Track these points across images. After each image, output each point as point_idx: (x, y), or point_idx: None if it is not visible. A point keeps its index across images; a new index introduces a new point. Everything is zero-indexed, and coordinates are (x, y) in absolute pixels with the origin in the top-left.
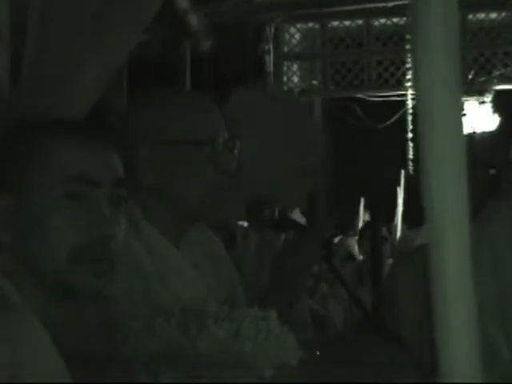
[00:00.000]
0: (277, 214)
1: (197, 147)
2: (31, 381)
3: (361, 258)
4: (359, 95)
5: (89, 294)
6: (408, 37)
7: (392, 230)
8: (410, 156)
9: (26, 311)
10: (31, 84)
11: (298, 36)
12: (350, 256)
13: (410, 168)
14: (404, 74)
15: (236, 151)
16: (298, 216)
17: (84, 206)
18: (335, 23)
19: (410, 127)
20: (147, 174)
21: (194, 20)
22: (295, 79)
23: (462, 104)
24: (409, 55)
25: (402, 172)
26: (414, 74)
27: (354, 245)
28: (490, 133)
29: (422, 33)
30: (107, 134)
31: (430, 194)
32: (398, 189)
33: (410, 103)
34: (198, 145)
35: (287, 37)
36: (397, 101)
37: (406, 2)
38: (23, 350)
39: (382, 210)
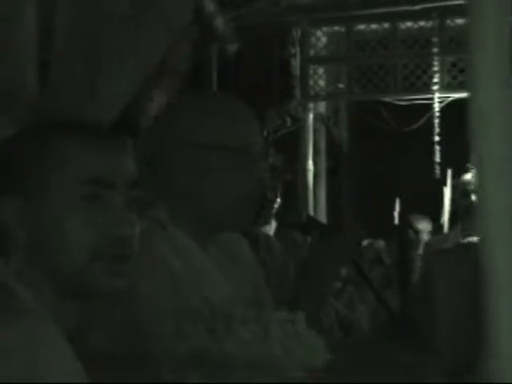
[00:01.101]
0: (304, 216)
1: (232, 154)
2: (46, 382)
3: (388, 261)
4: (385, 98)
5: (107, 293)
6: (434, 40)
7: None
8: (437, 159)
9: (42, 315)
10: (59, 87)
11: (324, 39)
12: (378, 259)
13: (437, 171)
14: (430, 77)
15: (270, 159)
16: (322, 219)
17: (100, 208)
18: (361, 26)
19: (437, 130)
20: (178, 177)
21: (220, 23)
22: (321, 83)
23: None
24: (435, 58)
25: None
26: (469, 73)
27: (381, 248)
28: None
29: (478, 34)
30: (123, 136)
31: (484, 193)
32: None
33: (436, 106)
34: (233, 151)
35: (313, 40)
36: (423, 104)
37: (432, 5)
38: (39, 355)
39: (410, 213)
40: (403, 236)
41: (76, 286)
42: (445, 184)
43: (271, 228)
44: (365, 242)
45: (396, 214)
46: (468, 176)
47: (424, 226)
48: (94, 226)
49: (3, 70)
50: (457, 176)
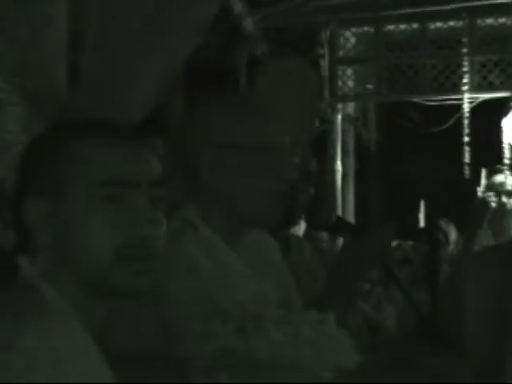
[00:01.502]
0: (333, 217)
1: (263, 153)
2: (71, 382)
3: (416, 262)
4: (414, 99)
5: (131, 293)
6: (464, 40)
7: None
8: (466, 160)
9: (67, 315)
10: (89, 87)
11: (352, 40)
12: (407, 260)
13: (466, 172)
14: (460, 78)
15: (298, 159)
16: (350, 219)
17: (123, 208)
18: (390, 27)
19: (466, 131)
20: (208, 176)
21: (249, 24)
22: (350, 83)
23: None
24: (465, 58)
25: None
26: None
27: (410, 249)
28: None
29: None
30: (146, 135)
31: None
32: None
33: (466, 107)
34: (261, 150)
35: (342, 41)
36: (452, 105)
37: (462, 5)
38: (64, 354)
39: (439, 214)
40: (433, 236)
41: (100, 286)
42: (475, 185)
43: (300, 229)
44: (393, 243)
45: (424, 215)
46: (500, 177)
47: (451, 228)
48: (117, 227)
49: (35, 70)
50: (487, 177)
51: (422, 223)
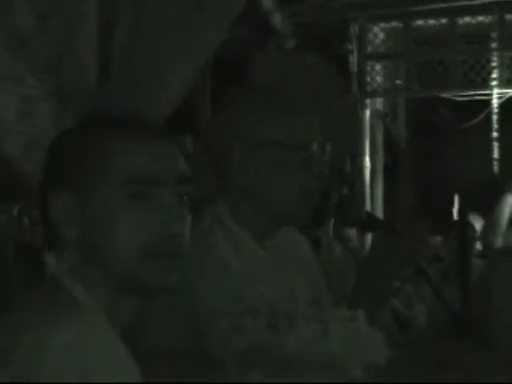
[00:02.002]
0: (363, 214)
1: (293, 151)
2: (101, 380)
3: (447, 258)
4: (443, 95)
5: (158, 290)
6: (493, 35)
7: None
8: (495, 156)
9: (95, 312)
10: (118, 82)
11: (381, 35)
12: (436, 256)
13: (495, 168)
14: (489, 73)
15: (327, 156)
16: (379, 215)
17: (150, 205)
18: (419, 22)
19: (495, 127)
20: (239, 174)
21: (278, 20)
22: (379, 79)
23: None
24: (494, 54)
25: None
26: None
27: (439, 245)
28: None
29: None
30: (172, 132)
31: None
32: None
33: (495, 102)
34: (294, 148)
35: (371, 36)
36: (482, 100)
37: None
38: (92, 352)
39: (469, 210)
40: (463, 232)
41: (128, 284)
42: (504, 180)
43: (330, 226)
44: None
45: (454, 211)
46: None
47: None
48: (143, 224)
49: (68, 68)
50: None
51: (453, 219)
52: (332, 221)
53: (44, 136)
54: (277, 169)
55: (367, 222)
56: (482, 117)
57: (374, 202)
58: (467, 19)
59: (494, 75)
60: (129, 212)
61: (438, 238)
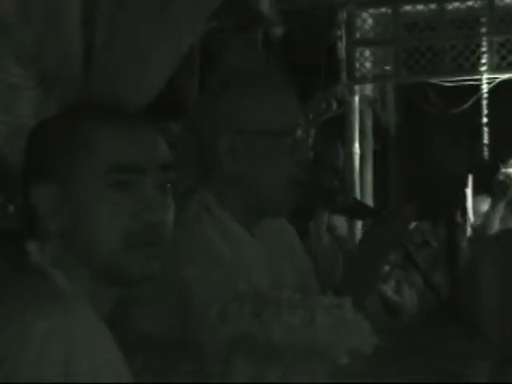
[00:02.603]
0: (351, 200)
1: (277, 137)
2: (85, 370)
3: (435, 243)
4: (433, 80)
5: (141, 279)
6: (483, 20)
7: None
8: (485, 141)
9: (79, 299)
10: (101, 70)
11: (370, 21)
12: (425, 242)
13: (485, 153)
14: (479, 59)
15: (310, 142)
16: (369, 202)
17: (129, 194)
18: (408, 8)
19: (485, 112)
20: (226, 162)
21: (265, 6)
22: (368, 65)
23: None
24: (484, 39)
25: None
26: None
27: (428, 231)
28: None
29: None
30: (154, 119)
31: None
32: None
33: (484, 88)
34: (278, 134)
35: (359, 22)
36: (471, 85)
37: None
38: (77, 338)
39: (457, 196)
40: (451, 218)
41: (110, 273)
42: (494, 166)
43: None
44: (412, 225)
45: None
46: None
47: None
48: (124, 213)
49: (52, 55)
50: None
51: (442, 204)
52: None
53: (28, 125)
54: (262, 156)
55: (355, 209)
56: (471, 102)
57: (364, 188)
58: (456, 4)
59: (484, 60)
60: (110, 201)
61: (427, 224)
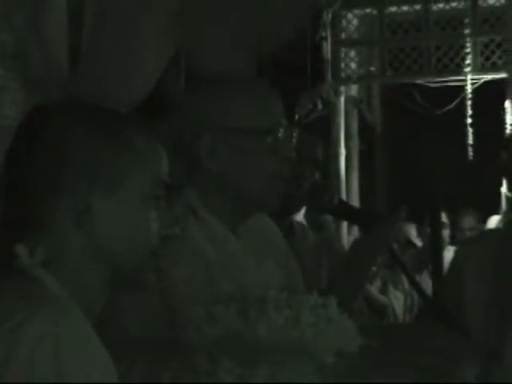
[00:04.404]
0: (336, 200)
1: (260, 135)
2: (75, 373)
3: (420, 244)
4: (418, 81)
5: (145, 285)
6: (467, 21)
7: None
8: (470, 142)
9: (69, 304)
10: (89, 69)
11: (355, 22)
12: (410, 242)
13: (470, 154)
14: (463, 59)
15: (294, 140)
16: (355, 202)
17: (158, 208)
18: (393, 8)
19: (470, 113)
20: (209, 160)
21: None
22: (353, 66)
23: None
24: (468, 39)
25: None
26: None
27: (412, 231)
28: None
29: None
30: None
31: None
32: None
33: (469, 88)
34: (261, 133)
35: (344, 23)
36: (456, 86)
37: None
38: (66, 342)
39: (442, 196)
40: (436, 218)
41: (127, 279)
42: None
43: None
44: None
45: (429, 196)
46: None
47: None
48: (155, 226)
49: (36, 55)
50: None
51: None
52: (305, 208)
53: (12, 126)
54: (244, 154)
55: (340, 209)
56: (456, 103)
57: (350, 188)
58: (441, 5)
59: (468, 61)
60: (150, 213)
61: (413, 225)
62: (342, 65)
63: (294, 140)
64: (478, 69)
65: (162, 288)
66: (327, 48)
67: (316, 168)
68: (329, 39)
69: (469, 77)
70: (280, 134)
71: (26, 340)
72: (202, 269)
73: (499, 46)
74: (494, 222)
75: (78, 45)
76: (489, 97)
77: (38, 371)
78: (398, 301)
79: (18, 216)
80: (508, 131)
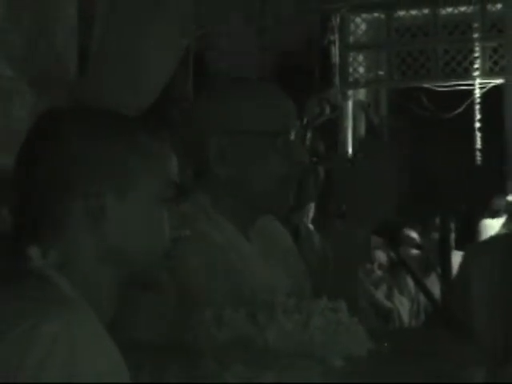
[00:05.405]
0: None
1: (270, 138)
2: (88, 374)
3: (427, 247)
4: (426, 85)
5: (157, 287)
6: (475, 25)
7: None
8: (478, 146)
9: (83, 306)
10: (97, 71)
11: (363, 26)
12: (417, 246)
13: (478, 158)
14: (471, 63)
15: (307, 143)
16: None
17: (169, 208)
18: (401, 12)
19: (478, 117)
20: (218, 163)
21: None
22: (361, 70)
23: None
24: (476, 44)
25: None
26: None
27: (418, 235)
28: None
29: None
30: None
31: None
32: None
33: (477, 92)
34: (271, 136)
35: (353, 27)
36: (464, 90)
37: None
38: (81, 344)
39: (450, 200)
40: (445, 223)
41: (140, 281)
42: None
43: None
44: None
45: (438, 201)
46: None
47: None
48: (167, 228)
49: (45, 55)
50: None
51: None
52: (311, 211)
53: (21, 128)
54: (255, 157)
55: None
56: (464, 107)
57: None
58: (449, 9)
59: (476, 65)
60: (163, 215)
61: (420, 228)
62: (350, 69)
63: (306, 143)
64: (486, 73)
65: (173, 290)
66: (335, 52)
67: (318, 161)
68: (337, 43)
69: (477, 81)
70: (291, 137)
71: (40, 341)
72: (211, 271)
73: (508, 50)
74: (488, 225)
75: (88, 47)
76: (497, 101)
77: (53, 372)
78: (403, 306)
79: (31, 218)
80: None
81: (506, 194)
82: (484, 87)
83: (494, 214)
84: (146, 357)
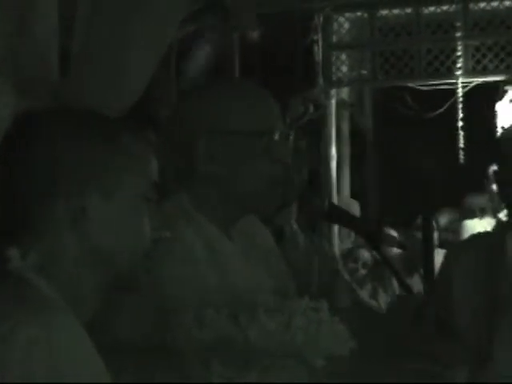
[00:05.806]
0: (327, 204)
1: (255, 138)
2: (68, 377)
3: (410, 247)
4: (409, 84)
5: (137, 288)
6: (458, 24)
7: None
8: (461, 145)
9: (62, 308)
10: (79, 72)
11: (346, 25)
12: (400, 245)
13: (461, 157)
14: (454, 63)
15: (291, 142)
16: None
17: (149, 209)
18: (384, 12)
19: (461, 116)
20: (203, 162)
21: (242, 9)
22: (344, 69)
23: None
24: (459, 43)
25: None
26: None
27: (401, 234)
28: None
29: None
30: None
31: None
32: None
33: (460, 92)
34: (255, 136)
35: (336, 26)
36: (447, 89)
37: None
38: (60, 347)
39: (433, 199)
40: (428, 222)
41: (120, 281)
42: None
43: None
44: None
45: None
46: None
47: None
48: (148, 228)
49: (26, 58)
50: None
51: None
52: (294, 211)
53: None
54: (240, 157)
55: (331, 213)
56: (447, 106)
57: (341, 192)
58: (432, 8)
59: (459, 64)
60: (144, 215)
61: (403, 228)
62: (333, 68)
63: (289, 143)
64: (469, 72)
65: (152, 290)
66: (318, 51)
67: (301, 159)
68: (320, 42)
69: (460, 80)
70: (276, 137)
71: (19, 344)
72: (193, 271)
73: (490, 49)
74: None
75: (69, 48)
76: (480, 100)
77: (32, 375)
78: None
79: (11, 219)
80: (499, 134)
81: (485, 194)
82: (466, 86)
83: (470, 214)
84: (129, 358)
